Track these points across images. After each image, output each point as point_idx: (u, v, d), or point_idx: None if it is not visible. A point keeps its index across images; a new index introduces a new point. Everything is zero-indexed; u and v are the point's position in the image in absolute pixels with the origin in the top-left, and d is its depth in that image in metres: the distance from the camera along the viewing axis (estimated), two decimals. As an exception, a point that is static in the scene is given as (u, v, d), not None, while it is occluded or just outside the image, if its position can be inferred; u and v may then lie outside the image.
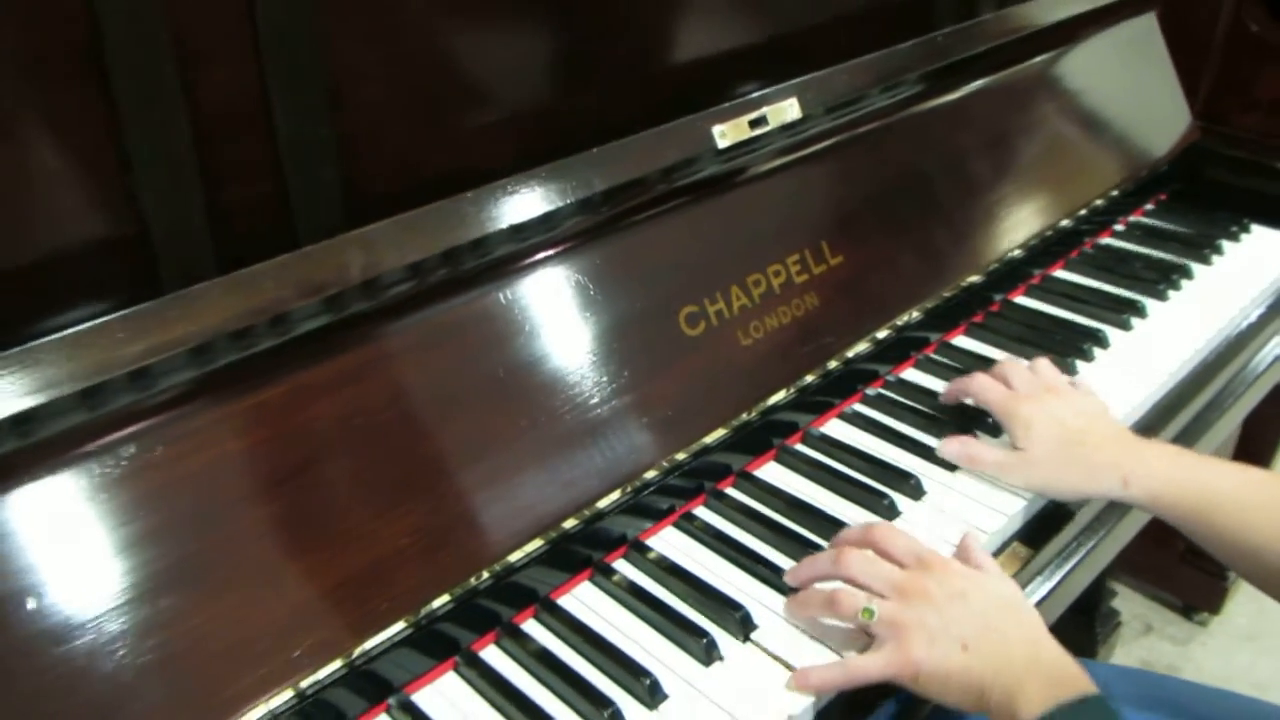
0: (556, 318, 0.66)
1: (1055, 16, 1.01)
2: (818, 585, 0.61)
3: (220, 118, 0.50)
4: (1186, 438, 0.88)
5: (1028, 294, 0.98)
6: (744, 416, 0.74)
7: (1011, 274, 0.98)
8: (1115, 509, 0.77)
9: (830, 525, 0.69)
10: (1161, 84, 1.16)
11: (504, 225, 0.61)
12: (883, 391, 0.83)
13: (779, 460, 0.76)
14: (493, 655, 0.61)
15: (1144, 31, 1.16)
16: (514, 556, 0.63)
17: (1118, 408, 0.80)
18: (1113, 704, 0.54)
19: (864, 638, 0.59)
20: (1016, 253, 0.97)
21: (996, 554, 0.70)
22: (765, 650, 0.60)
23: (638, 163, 0.67)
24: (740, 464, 0.75)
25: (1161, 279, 0.98)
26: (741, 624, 0.61)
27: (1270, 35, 1.30)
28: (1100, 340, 0.89)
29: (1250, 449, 1.49)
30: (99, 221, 0.48)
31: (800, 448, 0.77)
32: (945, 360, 0.88)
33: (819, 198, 0.81)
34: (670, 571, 0.66)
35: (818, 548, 0.67)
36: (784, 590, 0.64)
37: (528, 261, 0.65)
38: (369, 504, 0.58)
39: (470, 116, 0.65)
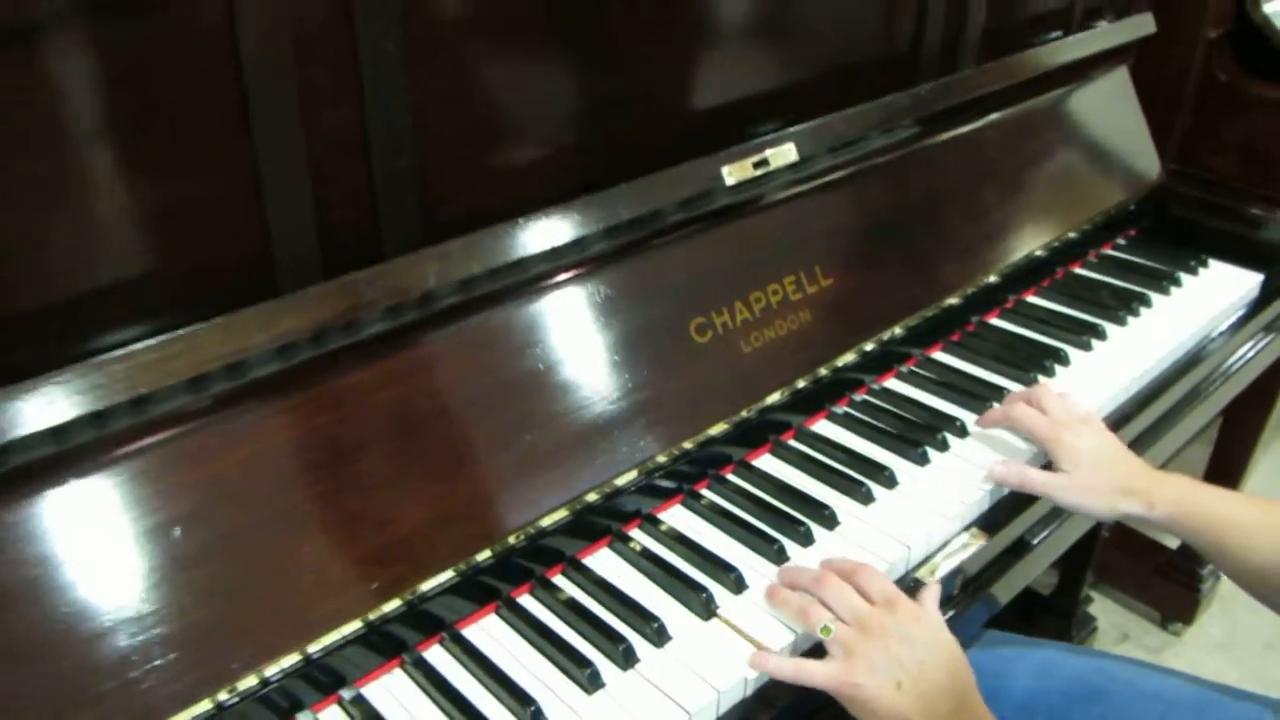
0: (586, 325, 0.78)
1: (1032, 72, 1.13)
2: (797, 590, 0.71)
3: (330, 152, 0.63)
4: (1137, 445, 1.00)
5: (1001, 316, 1.10)
6: (744, 414, 0.86)
7: (987, 297, 1.10)
8: (1058, 513, 0.89)
9: (815, 508, 0.81)
10: (1132, 131, 1.29)
11: (545, 248, 0.74)
12: (866, 398, 0.95)
13: (773, 453, 0.88)
14: (528, 602, 0.73)
15: (1117, 84, 1.28)
16: (545, 522, 0.75)
17: (1070, 416, 0.91)
18: None
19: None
20: (992, 278, 1.09)
21: (956, 536, 0.82)
22: (755, 604, 0.72)
23: (658, 196, 0.80)
24: (740, 455, 0.87)
25: (1122, 306, 1.10)
26: (736, 583, 0.74)
27: (1238, 85, 1.42)
28: (1061, 359, 1.01)
29: (1224, 458, 1.60)
30: (236, 235, 0.62)
31: (792, 442, 0.89)
32: (924, 373, 1.00)
33: (813, 227, 0.94)
34: (677, 539, 0.78)
35: (804, 526, 0.79)
36: (772, 558, 0.76)
37: (563, 277, 0.77)
38: (430, 474, 0.70)
39: (521, 154, 0.78)
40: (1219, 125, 1.45)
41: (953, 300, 1.05)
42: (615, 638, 0.69)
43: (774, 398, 0.89)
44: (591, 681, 0.66)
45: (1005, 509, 0.85)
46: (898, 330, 0.99)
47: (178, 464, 0.60)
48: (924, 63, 1.06)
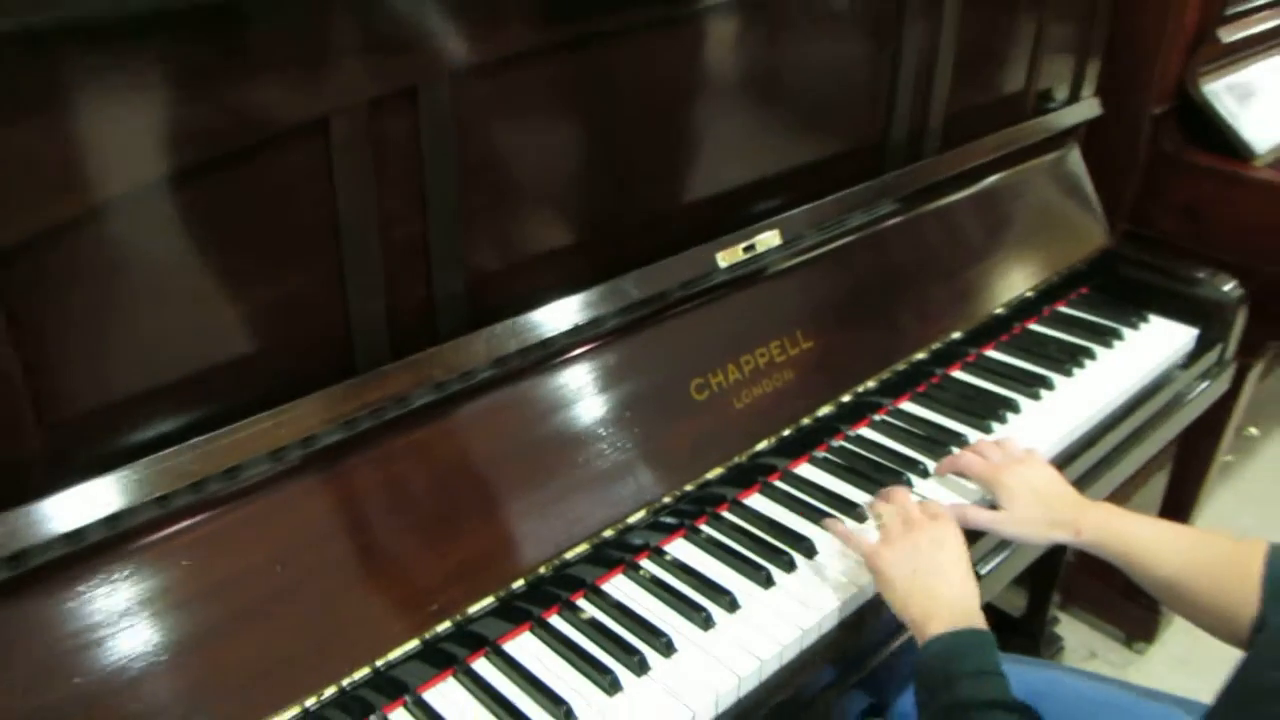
0: (601, 388, 0.93)
1: (989, 156, 1.29)
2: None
3: (399, 260, 0.79)
4: (1082, 481, 1.14)
5: (963, 369, 1.25)
6: (736, 460, 1.01)
7: (951, 352, 1.25)
8: (1003, 547, 1.03)
9: (797, 540, 0.95)
10: (1082, 202, 1.45)
11: (569, 326, 0.89)
12: (843, 444, 1.10)
13: (762, 492, 1.03)
14: (556, 621, 0.87)
15: (1069, 160, 1.45)
16: (569, 555, 0.90)
17: (1017, 459, 1.06)
18: (994, 649, 0.79)
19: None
20: (956, 335, 1.25)
21: (918, 563, 0.96)
22: (745, 621, 0.87)
23: (662, 280, 0.95)
24: (733, 494, 1.02)
25: (1069, 360, 1.25)
26: (730, 605, 0.88)
27: (1181, 155, 1.59)
28: (1014, 408, 1.16)
29: (1179, 489, 1.75)
30: (326, 325, 0.77)
31: (779, 483, 1.04)
32: (895, 422, 1.14)
33: (795, 297, 1.09)
34: (680, 568, 0.92)
35: (787, 555, 0.93)
36: (760, 583, 0.90)
37: (583, 350, 0.93)
38: (474, 516, 0.85)
39: (547, 249, 0.93)
40: (1165, 190, 1.62)
41: (920, 356, 1.20)
42: (630, 650, 0.83)
43: (762, 445, 1.03)
44: (612, 686, 0.80)
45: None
46: (870, 384, 1.14)
47: (282, 511, 0.75)
48: (892, 151, 1.21)
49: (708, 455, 0.99)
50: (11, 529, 0.62)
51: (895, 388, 1.18)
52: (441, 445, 0.84)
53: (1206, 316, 1.36)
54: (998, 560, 1.03)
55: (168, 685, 0.69)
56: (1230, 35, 1.61)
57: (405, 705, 0.80)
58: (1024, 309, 1.35)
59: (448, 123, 0.77)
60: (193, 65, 0.64)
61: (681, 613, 0.88)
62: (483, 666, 0.83)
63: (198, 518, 0.72)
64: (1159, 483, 1.80)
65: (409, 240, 0.79)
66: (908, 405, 1.18)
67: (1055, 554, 1.64)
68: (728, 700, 0.82)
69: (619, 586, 0.91)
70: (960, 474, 1.03)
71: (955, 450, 1.06)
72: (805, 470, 1.06)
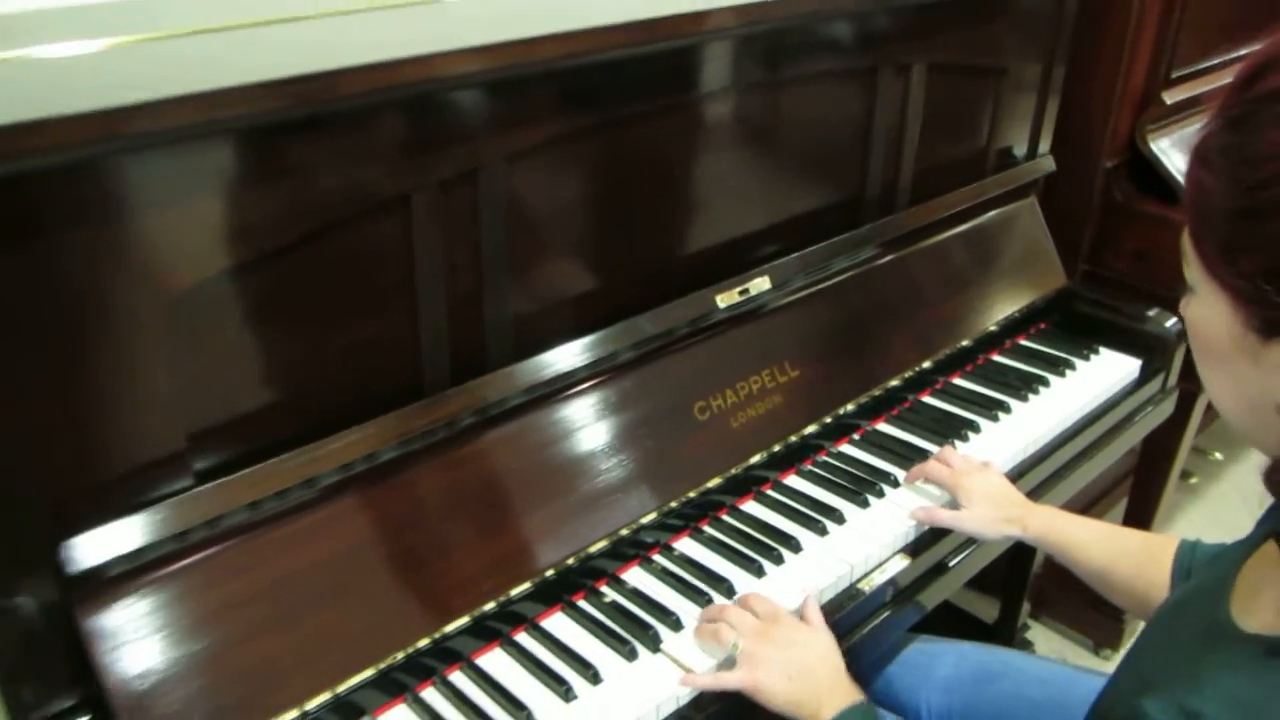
0: (619, 409, 1.11)
1: (953, 210, 1.48)
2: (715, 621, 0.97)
3: (459, 304, 0.97)
4: (1035, 492, 1.32)
5: (932, 395, 1.43)
6: (733, 471, 1.19)
7: (922, 380, 1.43)
8: (970, 542, 1.20)
9: (785, 539, 1.12)
10: (1040, 247, 1.63)
11: (592, 359, 1.07)
12: (826, 458, 1.28)
13: (756, 499, 1.20)
14: (583, 604, 1.04)
15: (1027, 209, 1.63)
16: (592, 549, 1.07)
17: (975, 471, 1.24)
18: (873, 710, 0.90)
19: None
20: (926, 365, 1.43)
21: (888, 559, 1.14)
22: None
23: (671, 319, 1.13)
24: (731, 500, 1.19)
25: (1025, 387, 1.43)
26: (728, 591, 1.05)
27: (1132, 203, 1.78)
28: (975, 428, 1.34)
29: (1138, 506, 1.92)
30: (400, 357, 0.95)
31: (770, 492, 1.21)
32: (871, 441, 1.32)
33: (784, 333, 1.27)
34: (686, 561, 1.10)
35: (776, 551, 1.10)
36: (754, 574, 1.08)
37: (602, 379, 1.11)
38: (516, 515, 1.02)
39: (575, 294, 1.11)
40: (1118, 235, 1.81)
41: (894, 383, 1.38)
42: (646, 626, 1.00)
43: (756, 459, 1.21)
44: (630, 655, 0.97)
45: (927, 539, 1.17)
46: (850, 407, 1.32)
47: (365, 507, 0.93)
48: (867, 206, 1.40)
49: (709, 467, 1.17)
50: (180, 510, 0.81)
51: (872, 410, 1.36)
52: (488, 456, 1.01)
53: (1150, 349, 1.53)
54: (964, 554, 1.20)
55: (288, 643, 0.87)
56: (1173, 97, 1.81)
57: (461, 669, 0.97)
58: (988, 341, 1.53)
59: (500, 196, 0.96)
60: (320, 156, 0.83)
61: (688, 597, 1.05)
62: (524, 639, 1.00)
63: (305, 511, 0.89)
64: (1123, 505, 1.97)
65: (467, 288, 0.97)
66: (883, 426, 1.36)
67: (1025, 565, 1.81)
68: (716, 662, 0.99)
69: (635, 576, 1.09)
70: (928, 479, 1.21)
71: (923, 464, 1.24)
72: (793, 481, 1.24)
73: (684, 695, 0.95)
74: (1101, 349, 1.54)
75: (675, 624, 1.01)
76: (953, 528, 1.15)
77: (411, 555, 0.96)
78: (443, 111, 0.91)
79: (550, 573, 1.04)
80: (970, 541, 1.21)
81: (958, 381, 1.46)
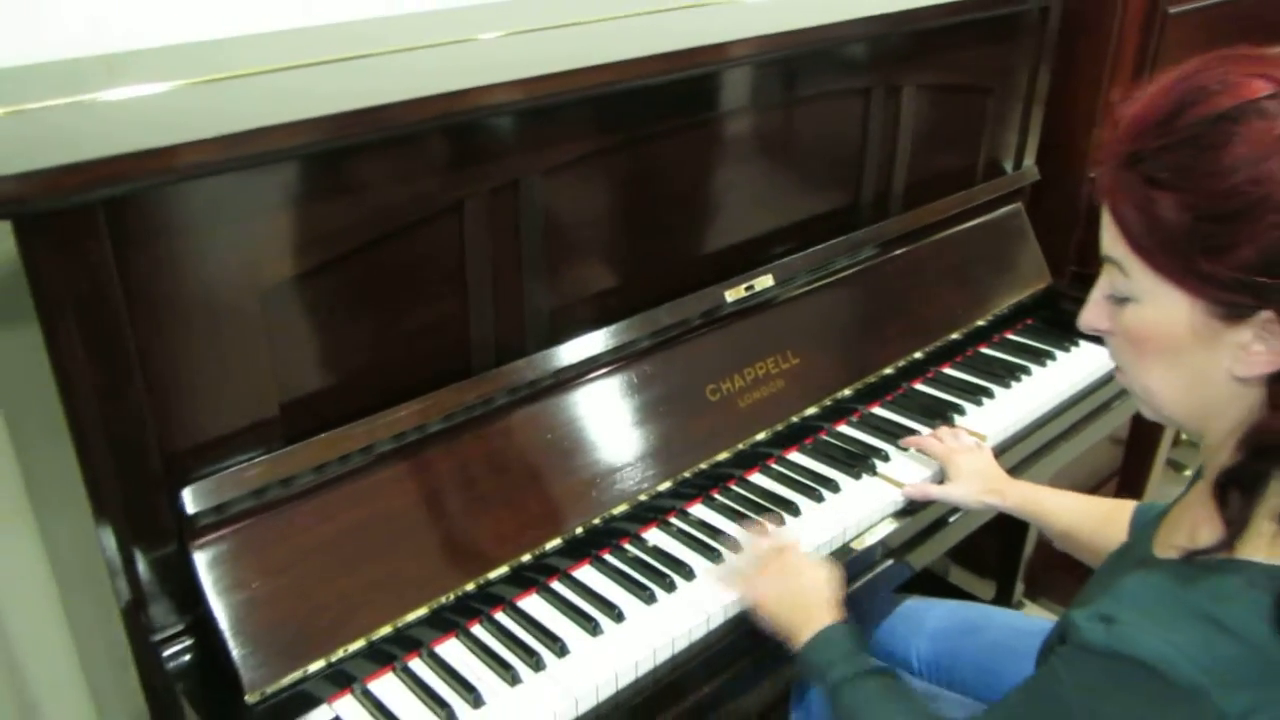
0: (639, 389, 1.27)
1: (943, 215, 1.63)
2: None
3: (503, 295, 1.13)
4: (1018, 469, 1.45)
5: (924, 382, 1.57)
6: (740, 447, 1.34)
7: (914, 369, 1.57)
8: (952, 512, 1.34)
9: (786, 505, 1.27)
10: (1026, 249, 1.77)
11: (616, 344, 1.23)
12: (825, 437, 1.43)
13: (762, 472, 1.35)
14: (609, 558, 1.19)
15: (1014, 216, 1.78)
16: (615, 512, 1.22)
17: (958, 448, 1.38)
18: (852, 634, 1.03)
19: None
20: (918, 356, 1.57)
21: (879, 522, 1.28)
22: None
23: (684, 311, 1.29)
24: (739, 473, 1.34)
25: (1009, 375, 1.57)
26: (735, 546, 1.20)
27: (1116, 211, 1.91)
28: (961, 412, 1.48)
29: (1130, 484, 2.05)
30: (453, 340, 1.11)
31: (774, 465, 1.36)
32: (866, 422, 1.47)
33: (786, 324, 1.42)
34: (699, 524, 1.25)
35: (778, 514, 1.25)
36: (759, 534, 1.22)
37: (626, 361, 1.26)
38: (551, 478, 1.18)
39: (601, 288, 1.27)
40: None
41: (888, 371, 1.53)
42: (663, 576, 1.15)
43: (761, 436, 1.36)
44: (649, 600, 1.12)
45: (912, 505, 1.32)
46: (847, 392, 1.47)
47: (416, 470, 1.09)
48: (862, 211, 1.56)
49: (719, 442, 1.32)
50: (273, 465, 0.98)
51: (868, 395, 1.51)
52: (524, 429, 1.17)
53: (1126, 341, 1.67)
54: (946, 525, 1.35)
55: (355, 583, 1.03)
56: (1154, 111, 1.94)
57: (504, 609, 1.12)
58: (977, 335, 1.68)
59: (538, 202, 1.12)
60: (391, 171, 1.00)
61: (699, 552, 1.20)
62: (558, 586, 1.15)
63: (370, 471, 1.06)
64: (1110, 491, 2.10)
65: (510, 282, 1.14)
66: (877, 409, 1.50)
67: (1018, 548, 1.95)
68: (734, 609, 1.13)
69: (654, 536, 1.24)
70: (922, 451, 1.35)
71: (912, 442, 1.39)
72: (795, 456, 1.39)
73: (697, 633, 1.10)
74: (1081, 341, 1.68)
75: (688, 574, 1.16)
76: (941, 499, 1.29)
77: (458, 512, 1.11)
78: (491, 132, 1.07)
79: (579, 530, 1.19)
80: (954, 510, 1.35)
81: (947, 371, 1.60)
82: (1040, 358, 1.63)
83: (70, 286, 0.83)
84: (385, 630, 1.04)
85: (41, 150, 0.81)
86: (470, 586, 1.11)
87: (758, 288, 1.37)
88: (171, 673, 0.98)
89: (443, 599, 1.08)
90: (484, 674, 1.03)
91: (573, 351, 1.20)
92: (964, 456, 1.31)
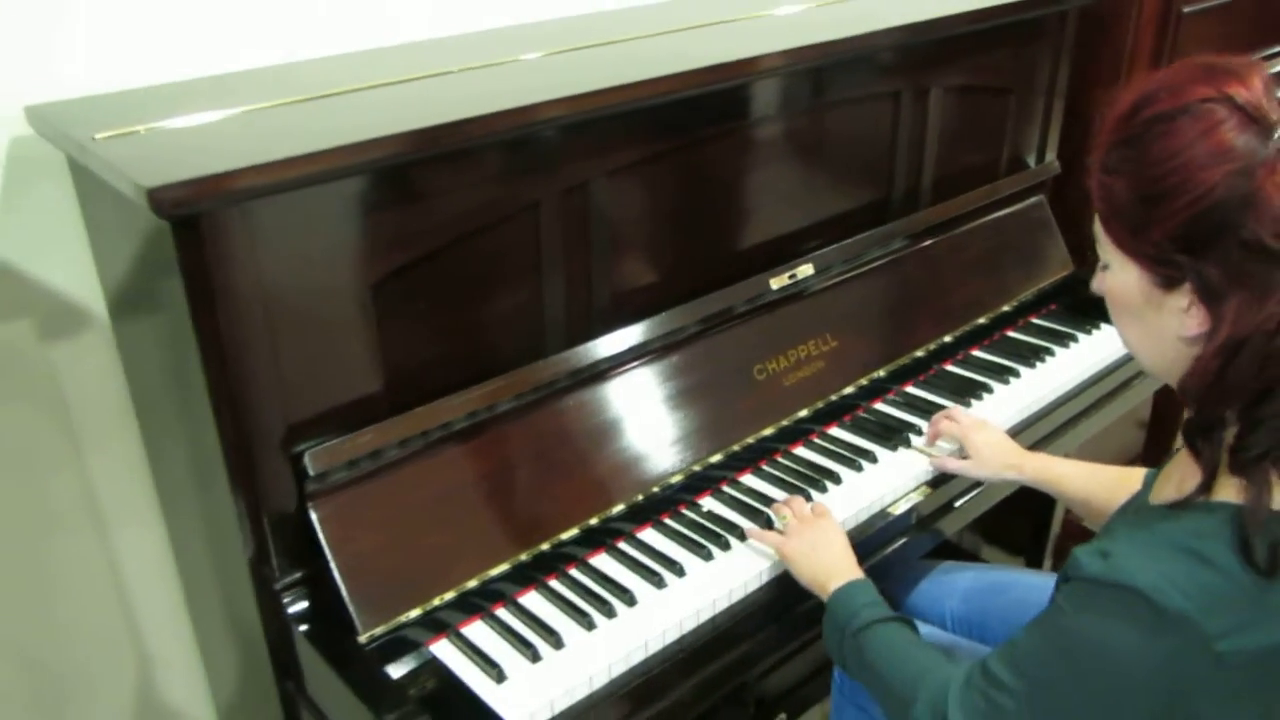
0: (691, 371, 1.39)
1: (969, 208, 1.74)
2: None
3: (574, 283, 1.27)
4: (1038, 445, 1.56)
5: (953, 364, 1.68)
6: (784, 423, 1.46)
7: (944, 352, 1.68)
8: (974, 485, 1.46)
9: (828, 475, 1.39)
10: (1049, 239, 1.88)
11: (670, 329, 1.36)
12: (861, 414, 1.55)
13: (805, 445, 1.47)
14: (668, 522, 1.32)
15: (1037, 206, 1.89)
16: (673, 480, 1.35)
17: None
18: (873, 588, 1.15)
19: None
20: (948, 339, 1.69)
21: (912, 490, 1.40)
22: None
23: (731, 299, 1.41)
24: (783, 447, 1.46)
25: (1034, 356, 1.68)
26: (777, 513, 1.33)
27: (1136, 201, 2.01)
28: (989, 390, 1.60)
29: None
30: (532, 324, 1.25)
31: (816, 439, 1.48)
32: (900, 400, 1.58)
33: (825, 311, 1.54)
34: (752, 492, 1.37)
35: (821, 483, 1.37)
36: (804, 498, 1.35)
37: (681, 343, 1.39)
38: (609, 450, 1.31)
39: (656, 277, 1.40)
40: (1123, 228, 2.04)
41: (919, 354, 1.64)
42: (718, 536, 1.28)
43: (803, 413, 1.48)
44: (707, 557, 1.25)
45: (943, 476, 1.43)
46: (881, 373, 1.59)
47: (500, 439, 1.22)
48: (894, 205, 1.67)
49: (765, 418, 1.45)
50: (380, 433, 1.12)
51: (901, 376, 1.62)
52: (590, 404, 1.30)
53: (1145, 324, 1.77)
54: (971, 494, 1.46)
55: (447, 540, 1.16)
56: (1171, 106, 2.03)
57: (577, 566, 1.25)
58: (1003, 320, 1.79)
59: (604, 201, 1.25)
60: (478, 176, 1.14)
61: (748, 516, 1.32)
62: (624, 546, 1.28)
63: (461, 440, 1.19)
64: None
65: (579, 273, 1.27)
66: (911, 389, 1.62)
67: (1045, 525, 2.05)
68: (781, 567, 1.26)
69: (707, 502, 1.37)
70: (940, 434, 1.47)
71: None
72: (835, 431, 1.51)
73: (751, 585, 1.23)
74: (1103, 325, 1.78)
75: (741, 535, 1.29)
76: (961, 474, 1.41)
77: (533, 479, 1.24)
78: (561, 140, 1.20)
79: (640, 497, 1.32)
80: (977, 483, 1.47)
81: (976, 353, 1.71)
82: (1063, 340, 1.73)
83: (218, 278, 0.97)
84: (472, 584, 1.17)
85: (187, 160, 0.95)
86: (545, 546, 1.24)
87: (799, 276, 1.50)
88: (292, 616, 1.12)
89: (522, 556, 1.21)
90: (563, 620, 1.16)
91: (632, 335, 1.33)
92: (979, 434, 1.41)
